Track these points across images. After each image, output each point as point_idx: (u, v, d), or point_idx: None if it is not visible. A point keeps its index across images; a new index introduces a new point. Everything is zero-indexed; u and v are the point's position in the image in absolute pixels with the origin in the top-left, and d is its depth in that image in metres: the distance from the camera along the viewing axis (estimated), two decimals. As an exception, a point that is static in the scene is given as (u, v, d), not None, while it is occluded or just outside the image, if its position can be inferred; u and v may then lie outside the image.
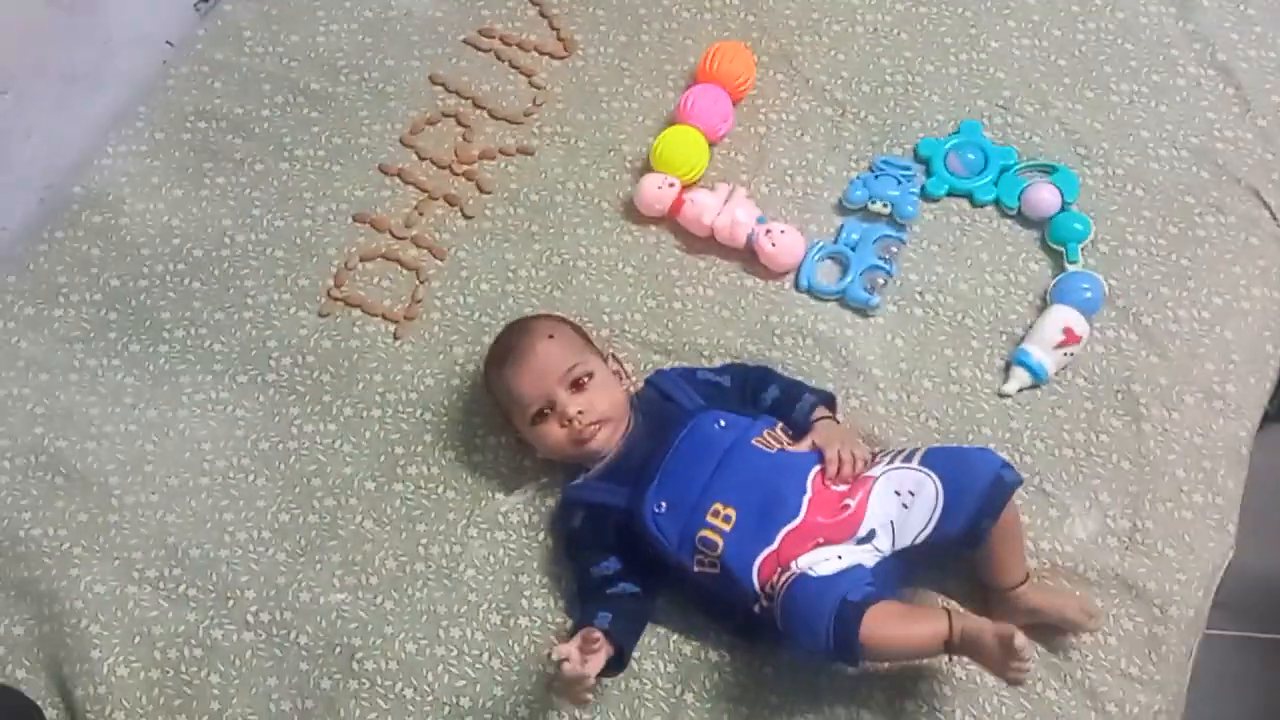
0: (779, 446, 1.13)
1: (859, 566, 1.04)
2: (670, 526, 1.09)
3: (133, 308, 1.34)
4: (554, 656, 0.99)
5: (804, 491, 1.08)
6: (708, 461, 1.10)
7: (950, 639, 1.00)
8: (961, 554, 1.08)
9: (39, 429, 1.27)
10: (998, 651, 0.97)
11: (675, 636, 1.13)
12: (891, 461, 1.10)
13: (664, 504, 1.10)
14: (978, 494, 1.03)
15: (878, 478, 1.09)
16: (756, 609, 1.06)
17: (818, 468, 1.11)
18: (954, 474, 1.05)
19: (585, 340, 1.22)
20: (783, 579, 1.03)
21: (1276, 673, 1.82)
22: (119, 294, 1.35)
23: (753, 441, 1.12)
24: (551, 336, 1.18)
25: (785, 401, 1.18)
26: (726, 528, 1.07)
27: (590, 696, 1.03)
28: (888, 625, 0.99)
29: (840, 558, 1.05)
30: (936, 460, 1.08)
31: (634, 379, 1.24)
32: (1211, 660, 1.78)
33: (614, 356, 1.23)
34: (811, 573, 1.03)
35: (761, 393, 1.19)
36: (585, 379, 1.15)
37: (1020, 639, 0.95)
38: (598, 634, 1.01)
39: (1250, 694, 1.80)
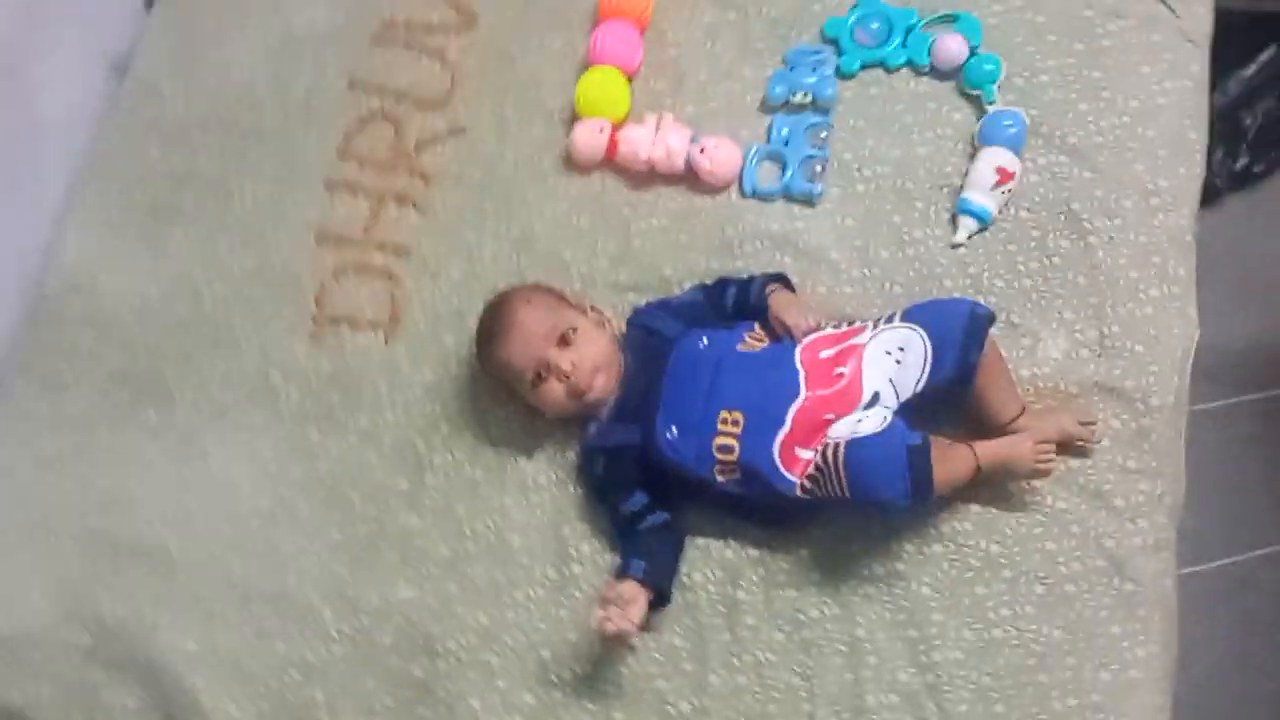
0: (763, 344, 1.21)
1: (895, 419, 1.12)
2: (685, 447, 1.17)
3: (139, 380, 1.41)
4: (594, 626, 1.10)
5: (796, 371, 1.16)
6: (702, 378, 1.18)
7: (979, 464, 1.13)
8: (958, 392, 1.16)
9: (89, 516, 1.36)
10: (1023, 452, 1.14)
11: (715, 544, 1.22)
12: (875, 326, 1.18)
13: (674, 429, 1.18)
14: (959, 331, 1.12)
15: (866, 344, 1.16)
16: (799, 493, 1.13)
17: (799, 345, 1.19)
18: (933, 322, 1.14)
19: (560, 299, 1.28)
20: (830, 453, 1.09)
21: (1271, 428, 1.93)
22: (122, 371, 1.42)
23: (737, 348, 1.20)
24: (529, 303, 1.24)
25: (741, 298, 1.26)
26: (737, 430, 1.15)
27: (637, 643, 1.13)
28: (939, 464, 1.09)
29: (862, 421, 1.12)
30: (915, 315, 1.16)
31: (616, 323, 1.31)
32: (1212, 431, 1.89)
33: (592, 307, 1.30)
34: (855, 435, 1.10)
35: (723, 298, 1.27)
36: (570, 333, 1.21)
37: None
38: (631, 592, 1.12)
39: (1252, 452, 1.91)
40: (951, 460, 1.13)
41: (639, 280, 1.36)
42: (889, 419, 1.12)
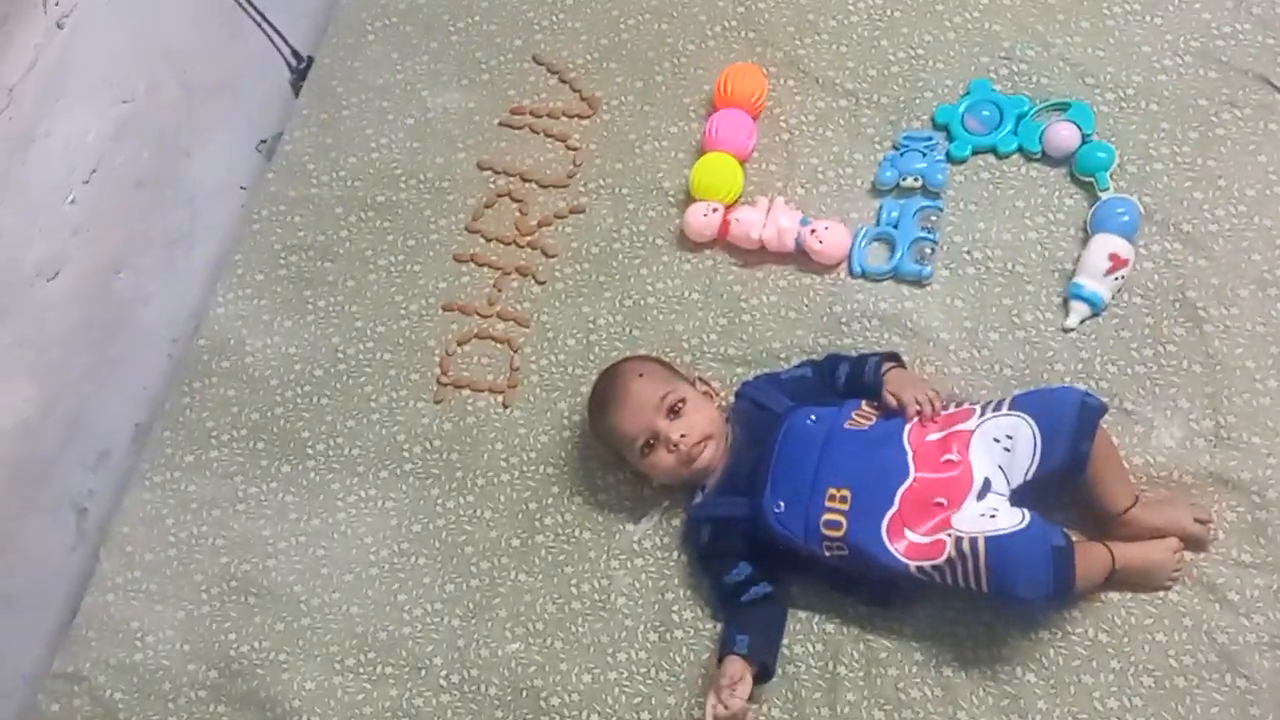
0: (870, 422, 1.23)
1: (1034, 515, 1.11)
2: (794, 522, 1.19)
3: (276, 434, 1.51)
4: (708, 715, 1.13)
5: (905, 451, 1.18)
6: (810, 454, 1.20)
7: (1114, 568, 1.14)
8: (1071, 482, 1.16)
9: (224, 559, 1.45)
10: (1163, 561, 1.14)
11: (817, 617, 1.24)
12: (983, 414, 1.19)
13: (782, 504, 1.20)
14: (1069, 421, 1.13)
15: (974, 431, 1.17)
16: (914, 573, 1.13)
17: (908, 426, 1.20)
18: (1043, 410, 1.15)
19: (671, 370, 1.33)
20: (968, 546, 1.09)
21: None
22: (261, 425, 1.52)
23: (845, 425, 1.22)
24: (640, 375, 1.29)
25: (855, 374, 1.28)
26: (845, 507, 1.17)
27: (752, 715, 1.16)
28: (1080, 563, 1.10)
29: (996, 516, 1.11)
30: (1023, 403, 1.17)
31: (724, 395, 1.35)
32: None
33: (700, 379, 1.35)
34: (997, 531, 1.10)
35: (835, 374, 1.29)
36: (679, 404, 1.26)
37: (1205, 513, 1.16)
38: (738, 671, 1.15)
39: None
40: (1090, 560, 1.14)
41: (748, 354, 1.40)
42: (1028, 517, 1.11)
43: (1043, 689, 1.16)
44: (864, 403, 1.26)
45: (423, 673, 1.32)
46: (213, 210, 1.75)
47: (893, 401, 1.21)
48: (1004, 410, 1.17)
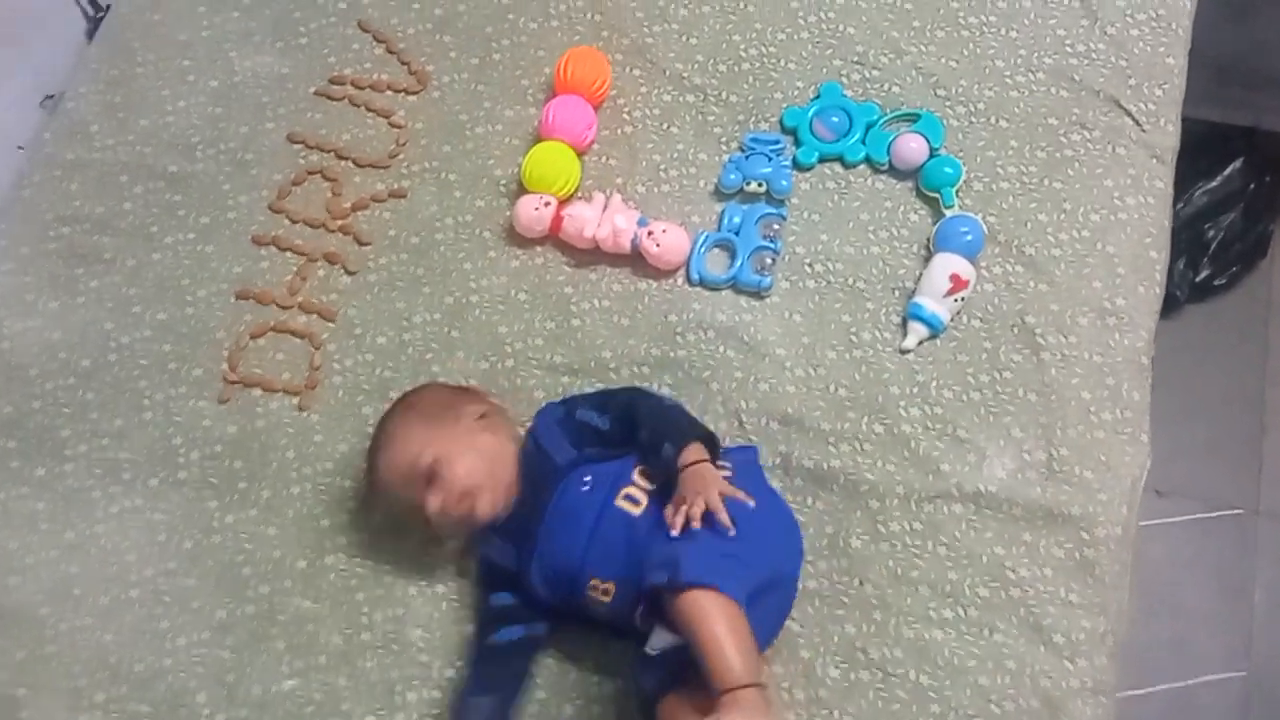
0: (644, 502, 1.09)
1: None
2: (555, 594, 1.10)
3: (30, 431, 1.32)
4: None
5: None
6: (579, 533, 1.08)
7: None
8: None
9: (-43, 573, 1.25)
10: None
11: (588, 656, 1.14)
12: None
13: (544, 578, 1.10)
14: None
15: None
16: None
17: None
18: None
19: (442, 406, 1.16)
20: None
21: (1218, 549, 1.89)
22: (14, 420, 1.32)
23: (616, 504, 1.09)
24: (391, 443, 1.14)
25: (649, 449, 1.11)
26: (606, 599, 1.08)
27: None
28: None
29: None
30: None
31: (519, 422, 1.19)
32: (1160, 548, 1.85)
33: (479, 397, 1.19)
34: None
35: (637, 432, 1.13)
36: (435, 466, 1.10)
37: None
38: None
39: (1197, 573, 1.87)
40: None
41: (575, 363, 1.29)
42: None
43: (860, 735, 1.09)
44: (640, 469, 1.12)
45: (183, 711, 1.16)
46: (-16, 170, 1.54)
47: (677, 504, 1.06)
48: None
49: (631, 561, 1.05)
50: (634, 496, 1.09)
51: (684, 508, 1.03)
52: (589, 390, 1.26)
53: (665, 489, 1.08)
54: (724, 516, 1.03)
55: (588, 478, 1.12)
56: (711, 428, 1.22)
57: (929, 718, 1.09)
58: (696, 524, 1.03)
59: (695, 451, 1.08)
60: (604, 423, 1.15)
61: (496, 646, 1.11)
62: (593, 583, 1.07)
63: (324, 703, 1.15)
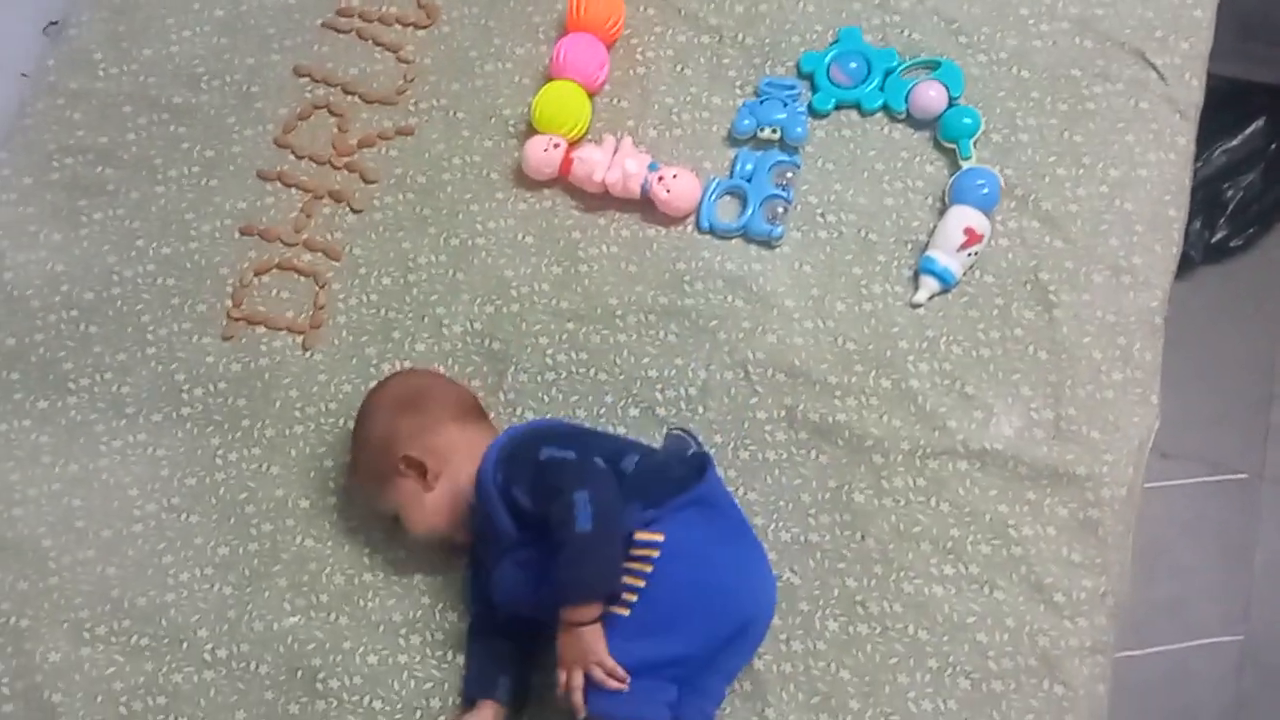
0: None
1: None
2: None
3: (33, 364, 1.31)
4: None
5: None
6: (523, 603, 1.06)
7: None
8: None
9: (-40, 503, 1.25)
10: None
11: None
12: None
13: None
14: None
15: None
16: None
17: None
18: None
19: (381, 452, 1.12)
20: None
21: (1222, 512, 1.88)
22: (16, 352, 1.31)
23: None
24: (358, 485, 1.18)
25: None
26: None
27: None
28: None
29: None
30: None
31: (435, 474, 1.12)
32: (1161, 509, 1.84)
33: (405, 461, 1.11)
34: None
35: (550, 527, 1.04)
36: (393, 513, 1.14)
37: None
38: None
39: (1200, 536, 1.86)
40: None
41: (581, 308, 1.28)
42: None
43: (856, 687, 1.09)
44: None
45: (184, 645, 1.17)
46: (-16, 98, 1.51)
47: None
48: None
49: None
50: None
51: (572, 691, 1.00)
52: (593, 337, 1.25)
53: None
54: (611, 682, 0.99)
55: (528, 561, 1.06)
56: (718, 379, 1.22)
57: (926, 672, 1.09)
58: (580, 709, 1.00)
59: (581, 613, 1.00)
60: (530, 505, 1.06)
61: (496, 622, 1.11)
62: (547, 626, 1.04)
63: (325, 640, 1.16)
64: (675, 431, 1.17)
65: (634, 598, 1.01)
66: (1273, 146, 1.98)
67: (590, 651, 1.00)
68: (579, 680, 0.99)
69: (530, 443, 1.10)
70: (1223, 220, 2.01)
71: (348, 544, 1.20)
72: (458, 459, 1.11)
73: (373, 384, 1.22)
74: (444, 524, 1.12)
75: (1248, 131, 1.99)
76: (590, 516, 1.00)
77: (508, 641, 1.10)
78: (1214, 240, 2.01)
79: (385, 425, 1.13)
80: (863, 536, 1.15)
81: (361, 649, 1.15)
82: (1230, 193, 2.01)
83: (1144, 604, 1.77)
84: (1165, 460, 1.89)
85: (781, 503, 1.17)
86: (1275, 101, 1.98)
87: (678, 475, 1.09)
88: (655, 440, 1.18)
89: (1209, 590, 1.82)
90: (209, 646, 1.17)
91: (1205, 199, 1.99)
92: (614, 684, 0.99)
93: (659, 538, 1.03)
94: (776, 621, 1.11)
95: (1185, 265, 1.95)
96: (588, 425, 1.20)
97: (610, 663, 0.99)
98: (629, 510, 1.04)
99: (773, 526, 1.15)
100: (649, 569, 1.02)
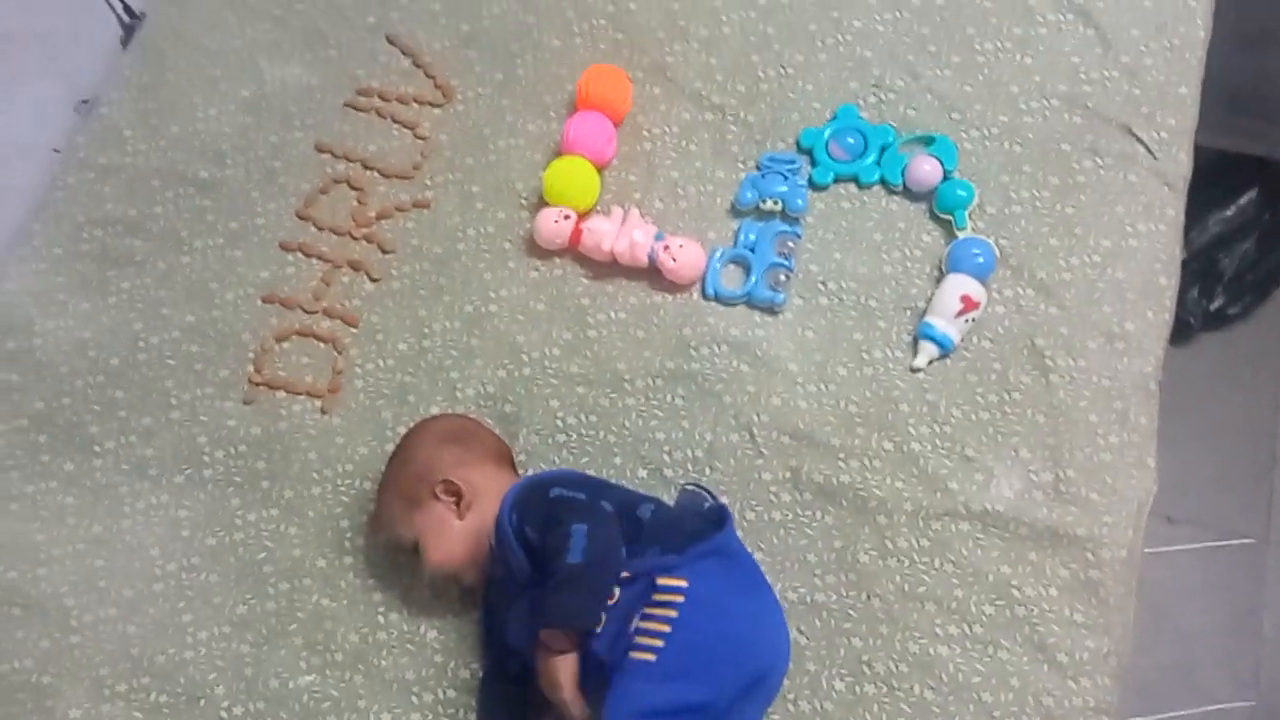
0: (602, 617, 1.06)
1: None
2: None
3: (60, 427, 1.35)
4: None
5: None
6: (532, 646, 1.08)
7: None
8: None
9: (-13, 564, 1.28)
10: None
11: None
12: None
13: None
14: None
15: None
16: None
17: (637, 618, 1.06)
18: None
19: (417, 480, 1.16)
20: None
21: (1227, 577, 1.89)
22: (44, 416, 1.36)
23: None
24: (379, 513, 1.20)
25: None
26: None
27: None
28: None
29: None
30: None
31: (467, 504, 1.15)
32: (1168, 575, 1.86)
33: (445, 485, 1.15)
34: None
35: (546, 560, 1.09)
36: (414, 545, 1.16)
37: None
38: None
39: (1206, 601, 1.87)
40: None
41: (590, 373, 1.32)
42: None
43: (864, 747, 1.11)
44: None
45: (201, 702, 1.19)
46: (16, 172, 1.57)
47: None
48: None
49: (585, 674, 1.05)
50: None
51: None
52: (602, 400, 1.29)
53: (615, 620, 1.06)
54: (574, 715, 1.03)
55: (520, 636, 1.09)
56: (723, 441, 1.25)
57: (932, 732, 1.11)
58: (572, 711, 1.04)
59: (555, 639, 1.04)
60: (538, 542, 1.10)
61: (507, 676, 1.13)
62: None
63: (340, 699, 1.18)
64: (690, 487, 1.20)
65: (660, 643, 1.03)
66: (1265, 216, 2.04)
67: (556, 685, 1.03)
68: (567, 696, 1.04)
69: (544, 484, 1.14)
70: (1219, 288, 2.06)
71: (362, 603, 1.22)
72: (487, 499, 1.15)
73: (389, 446, 1.25)
74: (461, 557, 1.14)
75: (1241, 202, 2.05)
76: (583, 550, 1.04)
77: (520, 690, 1.12)
78: (1212, 308, 2.05)
79: (430, 451, 1.18)
80: (868, 596, 1.17)
81: (375, 707, 1.17)
82: (1226, 261, 2.06)
83: (1152, 668, 1.78)
84: (1171, 525, 1.91)
85: (788, 563, 1.20)
86: (1266, 173, 2.05)
87: (696, 526, 1.13)
88: (665, 499, 1.21)
89: (1217, 655, 1.82)
90: (226, 704, 1.18)
91: (1201, 268, 2.04)
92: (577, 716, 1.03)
93: (682, 583, 1.05)
94: (784, 681, 1.13)
95: (1185, 333, 2.01)
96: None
97: (573, 701, 1.03)
98: (648, 556, 1.07)
99: (779, 586, 1.17)
100: (674, 614, 1.04)
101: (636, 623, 1.04)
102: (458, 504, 1.15)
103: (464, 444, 1.19)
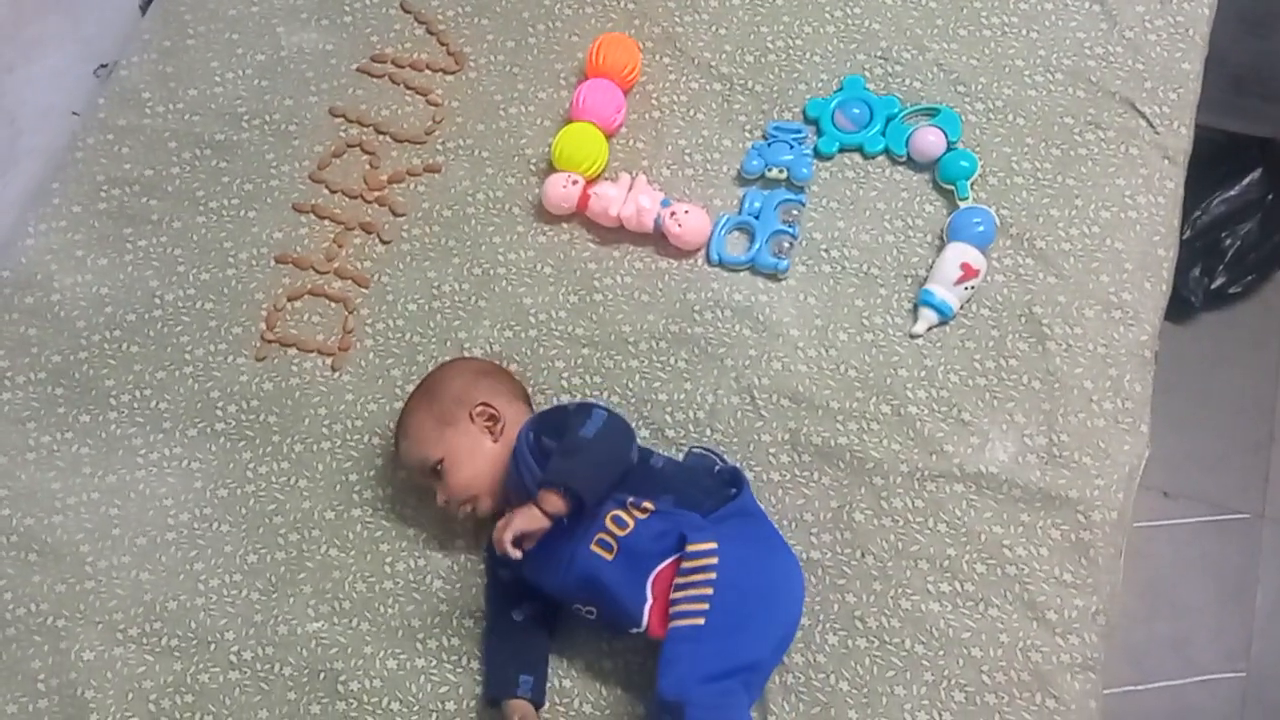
0: (616, 548, 1.10)
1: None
2: (548, 598, 1.15)
3: (77, 380, 1.38)
4: None
5: (644, 600, 1.09)
6: (556, 569, 1.11)
7: None
8: None
9: (5, 510, 1.31)
10: None
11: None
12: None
13: (535, 591, 1.15)
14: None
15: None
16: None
17: (657, 570, 1.09)
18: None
19: (454, 401, 1.20)
20: None
21: (1224, 551, 1.91)
22: (62, 369, 1.39)
23: (591, 548, 1.10)
24: (406, 434, 1.21)
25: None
26: (591, 617, 1.13)
27: None
28: None
29: None
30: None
31: (501, 427, 1.20)
32: (1165, 548, 1.88)
33: (484, 407, 1.20)
34: None
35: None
36: (439, 466, 1.18)
37: None
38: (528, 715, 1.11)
39: (1203, 574, 1.89)
40: None
41: (596, 335, 1.35)
42: None
43: (855, 698, 1.13)
44: (629, 500, 1.12)
45: (212, 647, 1.22)
46: (37, 134, 1.60)
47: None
48: None
49: (608, 597, 1.09)
50: (606, 542, 1.11)
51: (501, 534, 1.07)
52: (606, 362, 1.32)
53: (638, 532, 1.10)
54: (507, 548, 1.05)
55: (564, 521, 1.10)
56: (725, 403, 1.28)
57: (922, 685, 1.13)
58: (508, 548, 1.06)
59: (547, 498, 1.08)
60: (555, 438, 1.15)
61: (521, 625, 1.16)
62: (575, 605, 1.13)
63: (346, 645, 1.21)
64: (698, 450, 1.23)
65: (705, 605, 1.06)
66: (1269, 197, 2.05)
67: (507, 525, 1.06)
68: (500, 534, 1.06)
69: (560, 408, 1.24)
70: (1221, 268, 2.07)
71: (369, 553, 1.26)
72: (513, 430, 1.20)
73: (398, 404, 1.28)
74: (484, 483, 1.18)
75: (1244, 182, 2.06)
76: (598, 430, 1.13)
77: (527, 640, 1.15)
78: (1213, 287, 2.07)
79: (467, 379, 1.23)
80: (863, 554, 1.20)
81: (381, 653, 1.20)
82: (1228, 241, 2.07)
83: (1146, 639, 1.80)
84: (1168, 500, 1.93)
85: (785, 521, 1.22)
86: (1270, 154, 2.06)
87: (711, 485, 1.17)
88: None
89: (1211, 627, 1.85)
90: (235, 649, 1.22)
91: (1204, 247, 2.06)
92: (509, 550, 1.05)
93: (712, 545, 1.08)
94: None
95: (1186, 311, 2.02)
96: None
97: (511, 545, 1.05)
98: (664, 501, 1.12)
99: (776, 543, 1.20)
100: (713, 575, 1.07)
101: (674, 592, 1.07)
102: (491, 428, 1.19)
103: (498, 379, 1.25)
